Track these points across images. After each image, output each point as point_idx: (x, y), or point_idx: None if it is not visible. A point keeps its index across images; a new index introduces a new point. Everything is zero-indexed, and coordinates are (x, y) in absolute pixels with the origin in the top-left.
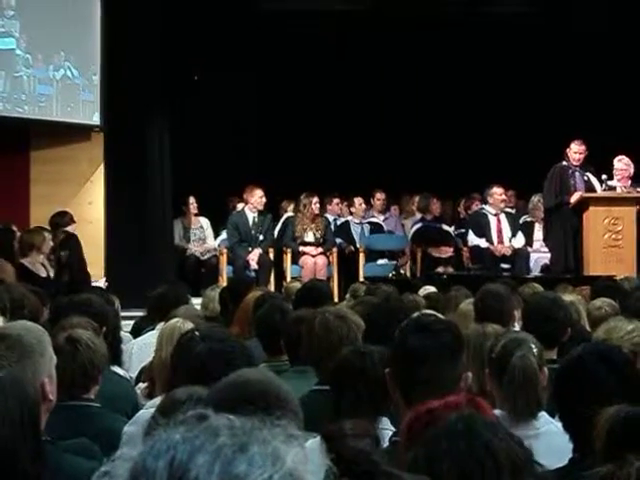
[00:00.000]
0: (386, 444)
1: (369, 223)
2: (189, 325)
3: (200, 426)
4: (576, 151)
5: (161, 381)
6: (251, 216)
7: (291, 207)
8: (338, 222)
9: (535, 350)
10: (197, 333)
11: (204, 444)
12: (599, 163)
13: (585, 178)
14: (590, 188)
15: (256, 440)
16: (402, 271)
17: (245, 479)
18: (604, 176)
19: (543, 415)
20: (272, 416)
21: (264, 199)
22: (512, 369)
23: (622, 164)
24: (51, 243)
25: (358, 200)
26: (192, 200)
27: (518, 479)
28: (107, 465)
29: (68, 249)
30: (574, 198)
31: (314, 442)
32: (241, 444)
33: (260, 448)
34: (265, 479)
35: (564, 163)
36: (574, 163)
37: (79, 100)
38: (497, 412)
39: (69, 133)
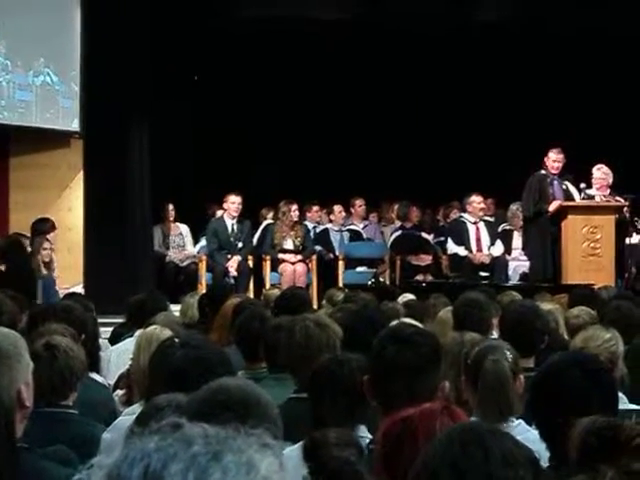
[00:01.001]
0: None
1: (348, 231)
2: (167, 332)
3: (174, 435)
4: (555, 159)
5: (139, 388)
6: (230, 223)
7: (270, 214)
8: (317, 229)
9: (509, 356)
10: (177, 340)
11: (178, 453)
12: (578, 172)
13: (563, 187)
14: (568, 197)
15: (230, 449)
16: (381, 279)
17: None
18: (583, 185)
19: (520, 423)
20: (247, 425)
21: (239, 205)
22: (484, 373)
23: (601, 173)
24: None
25: (338, 208)
26: (170, 207)
27: (511, 471)
28: (82, 473)
29: (7, 257)
30: (553, 207)
31: (292, 450)
32: (215, 453)
33: (234, 457)
34: None
35: (542, 172)
36: (552, 172)
37: (59, 106)
38: (474, 420)
39: (48, 139)
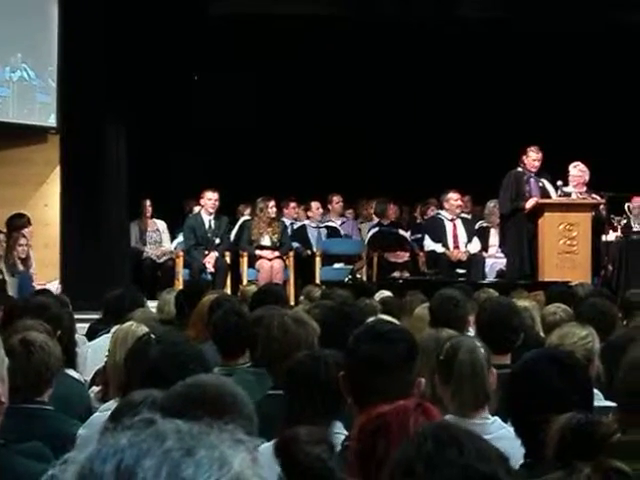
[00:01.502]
0: (339, 448)
1: (326, 227)
2: (143, 329)
3: (147, 431)
4: (535, 158)
5: (115, 384)
6: (207, 219)
7: (248, 211)
8: (295, 226)
9: (482, 350)
10: (152, 337)
11: (151, 448)
12: (554, 169)
13: (540, 184)
14: (545, 194)
15: (203, 444)
16: (358, 275)
17: None
18: (559, 182)
19: (496, 420)
20: (220, 421)
21: (216, 202)
22: (460, 363)
23: (577, 170)
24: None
25: (315, 204)
26: (147, 203)
27: (486, 465)
28: (54, 469)
29: None
30: (529, 204)
31: (267, 447)
32: (188, 448)
33: (207, 452)
34: None
35: (519, 169)
36: (532, 170)
37: (36, 102)
38: (448, 417)
39: (25, 135)
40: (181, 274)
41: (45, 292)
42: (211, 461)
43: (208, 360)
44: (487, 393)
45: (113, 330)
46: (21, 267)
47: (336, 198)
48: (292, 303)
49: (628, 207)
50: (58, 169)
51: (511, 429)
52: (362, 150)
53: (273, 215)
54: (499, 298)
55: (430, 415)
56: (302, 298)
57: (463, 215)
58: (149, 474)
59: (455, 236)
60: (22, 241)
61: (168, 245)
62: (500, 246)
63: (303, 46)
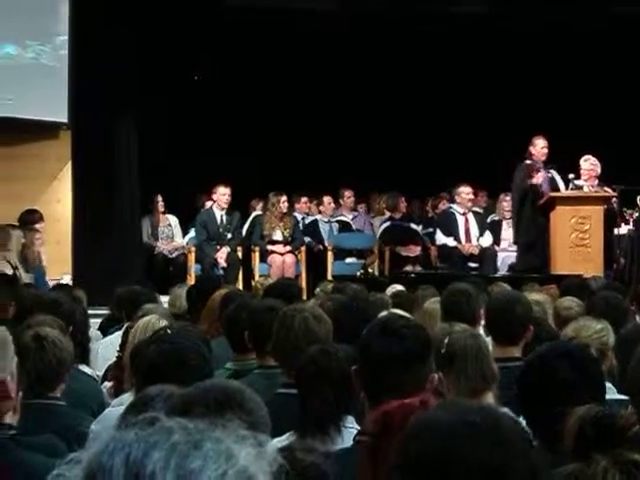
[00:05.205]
0: (350, 443)
1: (337, 222)
2: (163, 322)
3: (153, 427)
4: (543, 146)
5: (130, 375)
6: (219, 214)
7: (260, 206)
8: (306, 221)
9: (484, 339)
10: (169, 331)
11: (159, 441)
12: (565, 162)
13: (549, 175)
14: (553, 185)
15: (209, 438)
16: (370, 270)
17: (200, 474)
18: (571, 175)
19: (506, 412)
20: (223, 419)
21: (228, 197)
22: (464, 346)
23: (588, 164)
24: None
25: (327, 199)
26: (159, 198)
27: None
28: (60, 467)
29: None
30: (535, 179)
31: (270, 444)
32: (195, 441)
33: (214, 445)
34: (219, 474)
35: (528, 161)
36: (542, 158)
37: (51, 98)
38: None
39: (37, 130)
40: (193, 269)
41: (64, 286)
42: (218, 454)
43: (209, 355)
44: (493, 373)
45: (126, 325)
46: (37, 262)
47: (348, 193)
48: (304, 298)
49: None
50: (70, 165)
51: (522, 421)
52: (373, 145)
53: (285, 210)
54: (502, 290)
55: None
56: (318, 291)
57: (475, 209)
58: (158, 466)
59: (467, 230)
60: (38, 236)
61: (180, 240)
62: (515, 242)
63: (307, 41)
